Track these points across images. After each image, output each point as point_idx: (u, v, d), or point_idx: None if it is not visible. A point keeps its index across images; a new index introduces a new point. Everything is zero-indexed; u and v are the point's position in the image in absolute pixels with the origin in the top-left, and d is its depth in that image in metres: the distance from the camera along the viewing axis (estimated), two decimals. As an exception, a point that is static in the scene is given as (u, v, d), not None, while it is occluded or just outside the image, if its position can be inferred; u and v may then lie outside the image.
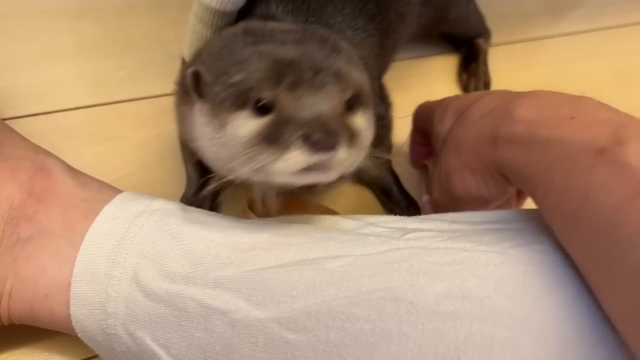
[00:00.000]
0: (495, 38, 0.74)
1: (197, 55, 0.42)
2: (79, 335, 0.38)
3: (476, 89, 0.70)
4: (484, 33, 0.73)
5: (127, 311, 0.35)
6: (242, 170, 0.34)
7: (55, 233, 0.38)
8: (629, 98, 0.76)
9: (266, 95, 0.33)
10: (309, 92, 0.32)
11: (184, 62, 0.59)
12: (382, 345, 0.30)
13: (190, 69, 0.37)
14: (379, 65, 0.54)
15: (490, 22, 0.74)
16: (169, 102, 0.59)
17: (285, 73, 0.33)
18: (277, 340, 0.32)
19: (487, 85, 0.71)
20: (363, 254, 0.34)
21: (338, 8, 0.48)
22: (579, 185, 0.30)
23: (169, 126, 0.56)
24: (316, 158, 0.32)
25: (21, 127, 0.47)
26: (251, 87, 0.33)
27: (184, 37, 0.57)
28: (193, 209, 0.42)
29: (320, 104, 0.32)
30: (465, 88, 0.70)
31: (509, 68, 0.74)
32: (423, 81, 0.69)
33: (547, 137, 0.34)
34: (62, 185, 0.41)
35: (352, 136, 0.34)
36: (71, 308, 0.37)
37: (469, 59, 0.71)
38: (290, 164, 0.32)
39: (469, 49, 0.72)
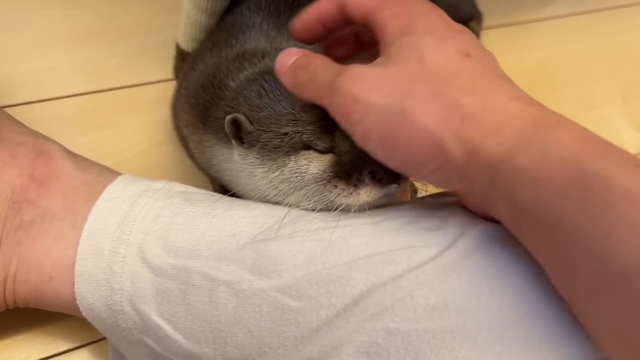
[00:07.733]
0: (487, 21, 0.75)
1: (231, 97, 0.40)
2: (84, 313, 0.38)
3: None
4: (476, 16, 0.73)
5: (132, 287, 0.36)
6: (307, 204, 0.37)
7: (58, 215, 0.39)
8: (618, 79, 0.78)
9: (322, 143, 0.37)
10: None
11: (178, 48, 0.60)
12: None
13: (230, 117, 0.38)
14: None
15: (482, 6, 0.74)
16: (164, 88, 0.59)
17: (336, 125, 0.35)
18: (280, 308, 0.32)
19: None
20: (362, 223, 0.35)
21: None
22: None
23: (164, 113, 0.56)
24: (384, 191, 0.36)
25: (17, 115, 0.47)
26: (309, 138, 0.37)
27: (177, 23, 0.57)
28: (194, 189, 0.42)
29: None
30: (458, 70, 0.71)
31: (501, 50, 0.73)
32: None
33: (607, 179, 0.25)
34: (63, 169, 0.41)
35: None
36: (76, 286, 0.37)
37: (461, 42, 0.72)
38: (363, 198, 0.36)
39: (461, 32, 0.72)
